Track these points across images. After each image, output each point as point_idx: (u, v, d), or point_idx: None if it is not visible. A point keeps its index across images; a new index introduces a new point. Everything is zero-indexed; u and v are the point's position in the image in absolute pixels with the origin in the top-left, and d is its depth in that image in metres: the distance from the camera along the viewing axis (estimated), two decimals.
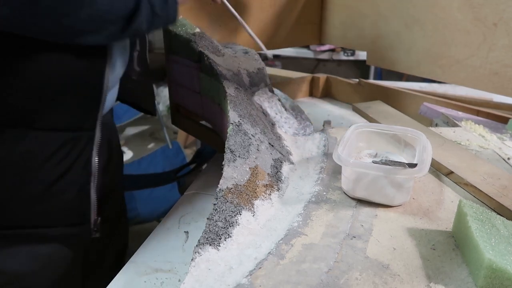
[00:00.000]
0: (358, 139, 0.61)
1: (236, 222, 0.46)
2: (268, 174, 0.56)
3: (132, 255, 0.60)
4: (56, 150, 0.61)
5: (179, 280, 0.54)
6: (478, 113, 0.87)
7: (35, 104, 0.57)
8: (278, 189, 0.55)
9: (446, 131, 0.75)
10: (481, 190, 0.54)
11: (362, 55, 2.37)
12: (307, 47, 2.60)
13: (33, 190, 0.61)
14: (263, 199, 0.51)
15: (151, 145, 2.93)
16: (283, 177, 0.57)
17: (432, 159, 0.63)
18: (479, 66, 0.82)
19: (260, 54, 0.91)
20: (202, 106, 0.87)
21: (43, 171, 0.61)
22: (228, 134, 0.58)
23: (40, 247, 0.65)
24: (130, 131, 3.14)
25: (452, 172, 0.59)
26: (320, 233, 0.47)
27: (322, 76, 1.19)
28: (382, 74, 3.13)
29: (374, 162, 0.53)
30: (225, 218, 0.46)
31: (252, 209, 0.49)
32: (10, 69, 0.55)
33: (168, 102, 1.08)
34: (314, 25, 1.17)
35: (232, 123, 0.60)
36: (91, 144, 0.64)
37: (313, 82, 1.20)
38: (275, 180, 0.56)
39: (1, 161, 0.58)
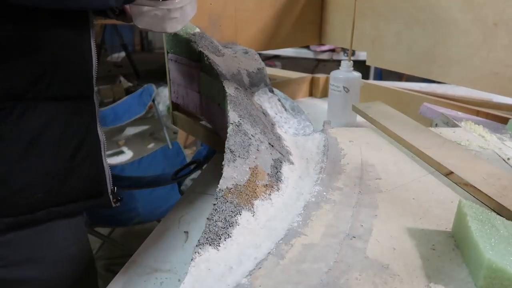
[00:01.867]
0: None
1: (236, 222, 0.46)
2: (268, 174, 0.56)
3: (132, 255, 0.60)
4: (68, 121, 0.63)
5: (179, 280, 0.54)
6: (478, 113, 0.87)
7: (40, 75, 0.59)
8: (278, 189, 0.55)
9: (446, 131, 0.75)
10: (481, 190, 0.54)
11: (362, 55, 2.37)
12: (307, 47, 2.60)
13: (56, 167, 0.63)
14: (263, 199, 0.51)
15: (151, 145, 2.93)
16: (283, 177, 0.57)
17: (432, 159, 0.63)
18: (479, 66, 0.82)
19: (260, 54, 0.91)
20: (202, 106, 0.87)
21: (61, 146, 0.63)
22: (228, 134, 0.58)
23: (72, 222, 0.69)
24: (130, 131, 3.14)
25: (452, 172, 0.59)
26: (320, 233, 0.47)
27: (322, 76, 1.19)
28: (382, 74, 3.13)
29: None
30: (225, 218, 0.46)
31: (252, 209, 0.49)
32: (22, 42, 0.57)
33: (168, 102, 1.08)
34: (314, 25, 1.17)
35: (232, 123, 0.60)
36: (94, 112, 0.67)
37: (313, 82, 1.20)
38: (275, 180, 0.56)
39: (20, 140, 0.59)
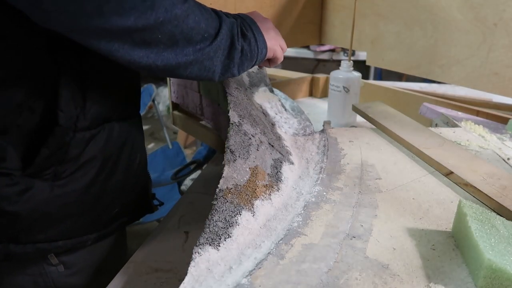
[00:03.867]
0: None
1: (236, 222, 0.46)
2: (268, 174, 0.56)
3: (132, 255, 0.60)
4: (135, 137, 0.67)
5: (179, 280, 0.54)
6: (478, 113, 0.87)
7: (123, 96, 0.64)
8: (278, 189, 0.55)
9: (446, 131, 0.75)
10: (481, 191, 0.54)
11: (362, 55, 2.37)
12: (307, 47, 2.60)
13: (128, 183, 0.67)
14: (263, 199, 0.51)
15: (151, 145, 2.93)
16: (283, 177, 0.57)
17: (432, 159, 0.63)
18: (479, 66, 0.82)
19: None
20: (202, 106, 0.87)
21: (131, 161, 0.67)
22: (228, 134, 0.58)
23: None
24: None
25: (452, 172, 0.59)
26: (320, 233, 0.47)
27: (322, 76, 1.19)
28: (382, 74, 3.13)
29: None
30: (225, 218, 0.46)
31: (252, 209, 0.49)
32: (119, 70, 0.60)
33: (168, 102, 1.08)
34: (314, 25, 1.17)
35: (232, 123, 0.60)
36: (141, 124, 0.72)
37: (313, 82, 1.20)
38: (275, 180, 0.56)
39: (108, 160, 0.62)
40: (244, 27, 0.60)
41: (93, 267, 0.67)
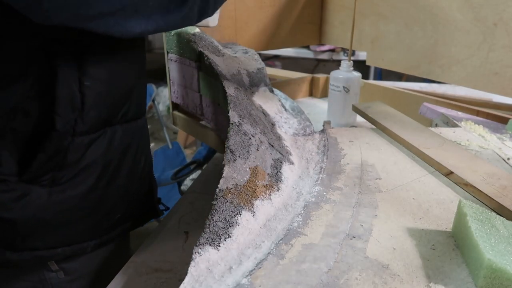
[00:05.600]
0: None
1: (236, 222, 0.46)
2: (268, 174, 0.56)
3: (132, 255, 0.60)
4: (139, 141, 0.67)
5: (179, 280, 0.54)
6: (478, 113, 0.87)
7: (127, 99, 0.63)
8: (278, 189, 0.55)
9: (446, 131, 0.75)
10: (481, 190, 0.54)
11: (362, 55, 2.37)
12: (307, 47, 2.59)
13: (132, 188, 0.66)
14: (263, 199, 0.51)
15: (151, 145, 2.92)
16: (283, 177, 0.57)
17: (432, 159, 0.63)
18: (479, 66, 0.82)
19: (260, 54, 0.91)
20: (202, 106, 0.87)
21: (135, 165, 0.66)
22: (228, 134, 0.58)
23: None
24: None
25: (452, 172, 0.59)
26: (320, 233, 0.47)
27: (322, 76, 1.19)
28: (382, 74, 3.13)
29: None
30: (225, 218, 0.46)
31: (252, 209, 0.49)
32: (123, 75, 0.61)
33: (168, 102, 1.08)
34: (314, 25, 1.17)
35: (232, 123, 0.60)
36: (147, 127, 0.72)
37: (313, 82, 1.20)
38: (275, 180, 0.56)
39: (110, 164, 0.61)
40: None
41: (94, 273, 0.66)
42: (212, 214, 0.46)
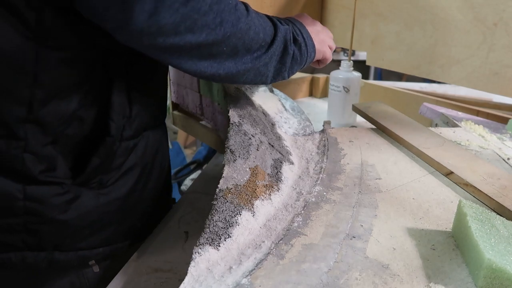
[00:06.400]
0: None
1: (236, 222, 0.46)
2: (268, 174, 0.56)
3: (132, 255, 0.60)
4: (165, 144, 0.70)
5: (179, 280, 0.54)
6: (478, 113, 0.87)
7: (160, 103, 0.67)
8: (278, 189, 0.55)
9: (446, 131, 0.75)
10: (481, 190, 0.54)
11: (362, 55, 2.37)
12: None
13: (159, 191, 0.69)
14: (263, 199, 0.51)
15: None
16: (283, 177, 0.57)
17: (432, 159, 0.63)
18: (479, 66, 0.82)
19: None
20: (202, 106, 0.87)
21: (162, 168, 0.68)
22: (228, 134, 0.58)
23: None
24: None
25: (452, 172, 0.59)
26: (320, 233, 0.47)
27: (322, 76, 1.19)
28: (382, 74, 3.13)
29: None
30: (225, 218, 0.46)
31: (252, 209, 0.49)
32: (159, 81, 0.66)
33: (168, 102, 1.08)
34: None
35: (232, 123, 0.60)
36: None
37: (313, 82, 1.20)
38: (275, 180, 0.56)
39: (145, 168, 0.64)
40: (295, 32, 0.63)
41: None
42: (212, 214, 0.46)
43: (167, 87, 0.70)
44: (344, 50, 2.55)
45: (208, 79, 0.56)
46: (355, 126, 0.93)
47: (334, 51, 0.76)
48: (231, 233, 0.45)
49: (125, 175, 0.61)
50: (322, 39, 0.71)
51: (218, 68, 0.54)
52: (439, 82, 1.16)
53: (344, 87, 0.91)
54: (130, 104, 0.58)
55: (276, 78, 0.62)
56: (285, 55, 0.61)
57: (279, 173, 0.57)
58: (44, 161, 0.54)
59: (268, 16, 0.60)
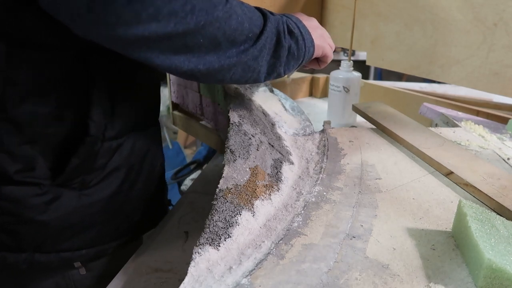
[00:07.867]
0: None
1: (236, 222, 0.46)
2: (268, 174, 0.56)
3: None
4: (156, 146, 0.69)
5: (179, 280, 0.54)
6: (478, 113, 0.87)
7: (154, 106, 0.67)
8: (278, 189, 0.55)
9: (446, 131, 0.75)
10: (481, 190, 0.54)
11: (362, 55, 2.37)
12: None
13: (149, 191, 0.68)
14: (263, 199, 0.51)
15: None
16: (283, 177, 0.57)
17: (432, 159, 0.63)
18: (479, 66, 0.82)
19: None
20: (202, 106, 0.87)
21: (153, 169, 0.68)
22: (228, 134, 0.58)
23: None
24: None
25: (452, 172, 0.59)
26: (320, 233, 0.47)
27: (322, 76, 1.19)
28: (382, 74, 3.13)
29: None
30: (225, 218, 0.46)
31: (252, 209, 0.49)
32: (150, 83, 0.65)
33: (168, 102, 1.08)
34: None
35: (232, 123, 0.60)
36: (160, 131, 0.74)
37: (313, 82, 1.20)
38: (275, 180, 0.56)
39: (132, 169, 0.63)
40: (291, 25, 0.58)
41: (113, 273, 0.68)
42: (212, 214, 0.46)
43: (158, 87, 0.68)
44: (344, 50, 2.55)
45: (187, 76, 0.50)
46: (355, 126, 0.93)
47: (334, 51, 0.72)
48: (231, 233, 0.45)
49: (109, 176, 0.59)
50: (321, 35, 0.65)
51: (197, 62, 0.48)
52: (439, 82, 1.16)
53: (344, 87, 0.91)
54: (112, 103, 0.56)
55: (270, 74, 0.57)
56: (279, 49, 0.55)
57: (279, 173, 0.57)
58: (20, 160, 0.53)
59: (256, 7, 0.55)
